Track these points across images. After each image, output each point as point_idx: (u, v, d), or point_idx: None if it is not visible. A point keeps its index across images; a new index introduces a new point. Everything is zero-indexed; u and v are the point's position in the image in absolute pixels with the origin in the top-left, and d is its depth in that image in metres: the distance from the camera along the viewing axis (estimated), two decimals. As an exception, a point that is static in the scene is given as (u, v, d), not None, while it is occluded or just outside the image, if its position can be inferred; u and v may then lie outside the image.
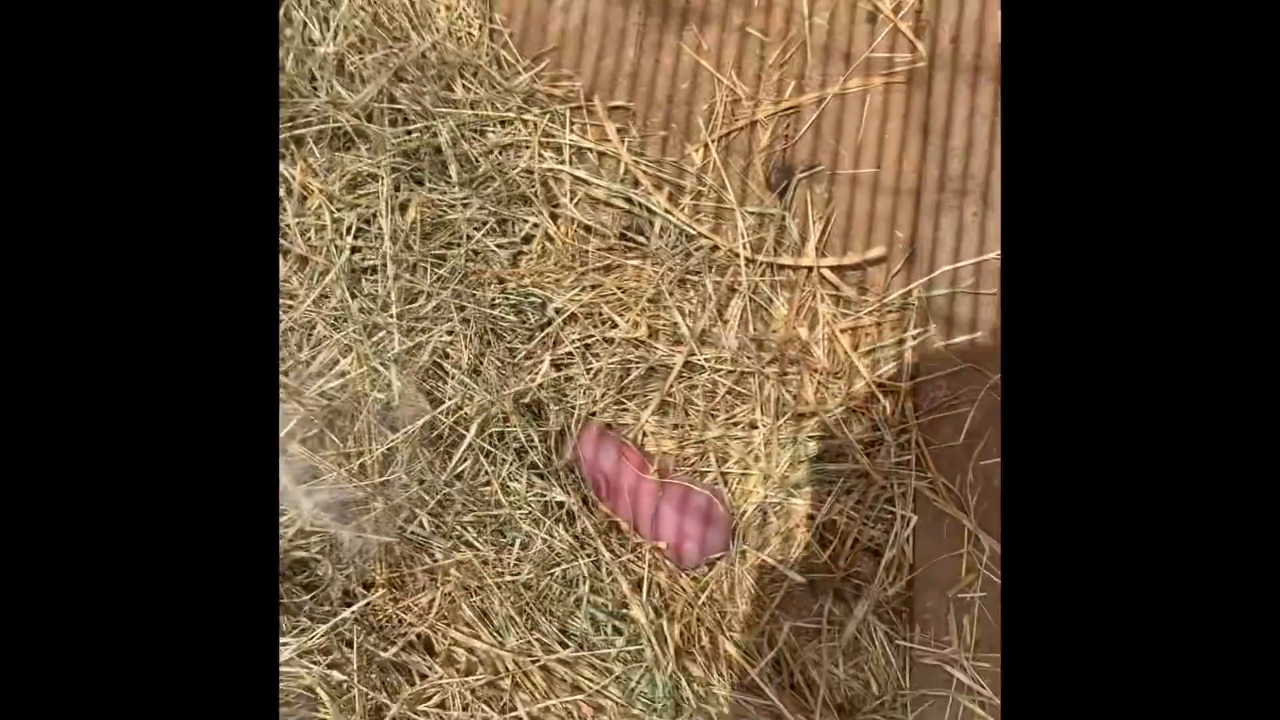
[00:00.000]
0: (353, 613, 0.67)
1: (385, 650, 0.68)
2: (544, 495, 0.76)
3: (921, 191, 0.85)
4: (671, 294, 0.83)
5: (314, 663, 0.67)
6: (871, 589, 0.78)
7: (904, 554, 0.79)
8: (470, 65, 0.88)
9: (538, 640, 0.71)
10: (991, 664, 0.76)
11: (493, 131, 0.87)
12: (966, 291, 0.82)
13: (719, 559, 0.77)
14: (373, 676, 0.67)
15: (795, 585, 0.78)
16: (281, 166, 0.81)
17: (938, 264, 0.83)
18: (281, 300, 0.78)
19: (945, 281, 0.82)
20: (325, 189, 0.81)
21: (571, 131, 0.87)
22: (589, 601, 0.73)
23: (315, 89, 0.84)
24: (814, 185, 0.86)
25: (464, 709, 0.67)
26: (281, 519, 0.70)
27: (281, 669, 0.66)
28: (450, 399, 0.76)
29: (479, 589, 0.72)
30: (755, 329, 0.83)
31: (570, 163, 0.87)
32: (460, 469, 0.75)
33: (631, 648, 0.72)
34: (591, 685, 0.70)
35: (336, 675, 0.66)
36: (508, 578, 0.73)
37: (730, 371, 0.82)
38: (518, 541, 0.75)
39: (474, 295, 0.81)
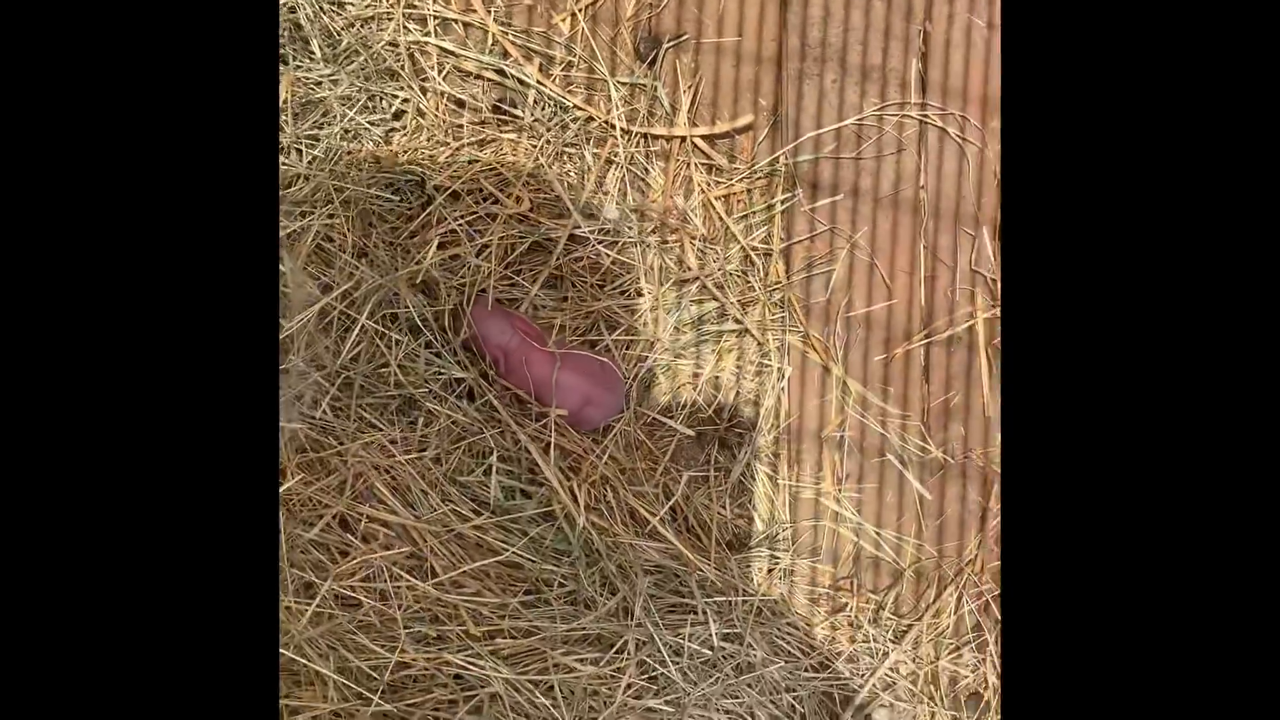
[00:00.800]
0: (281, 492, 0.68)
1: (307, 532, 0.69)
2: (442, 373, 0.78)
3: (783, 60, 0.88)
4: (550, 167, 0.84)
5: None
6: (752, 436, 0.85)
7: (780, 402, 0.86)
8: (322, -69, 0.84)
9: (452, 511, 0.74)
10: (860, 492, 0.85)
11: (351, 4, 0.84)
12: (829, 156, 0.88)
13: (616, 421, 0.82)
14: (299, 555, 0.69)
15: (685, 438, 0.84)
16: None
17: (802, 130, 0.87)
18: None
19: (809, 147, 0.87)
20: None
21: (436, 2, 0.85)
22: (497, 470, 0.76)
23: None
24: (681, 55, 0.88)
25: (387, 580, 0.70)
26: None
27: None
28: (339, 283, 0.75)
29: (389, 469, 0.74)
30: (634, 199, 0.86)
31: (435, 34, 0.85)
32: (356, 351, 0.75)
33: (543, 509, 0.76)
34: (507, 547, 0.74)
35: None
36: (414, 455, 0.75)
37: (614, 242, 0.84)
38: (419, 420, 0.77)
39: (351, 175, 0.79)
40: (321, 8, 0.82)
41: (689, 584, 0.78)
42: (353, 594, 0.69)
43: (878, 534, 0.86)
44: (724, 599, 0.79)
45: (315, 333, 0.74)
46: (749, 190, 0.87)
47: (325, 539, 0.70)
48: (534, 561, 0.75)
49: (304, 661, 0.65)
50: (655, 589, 0.77)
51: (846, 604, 0.85)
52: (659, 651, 0.75)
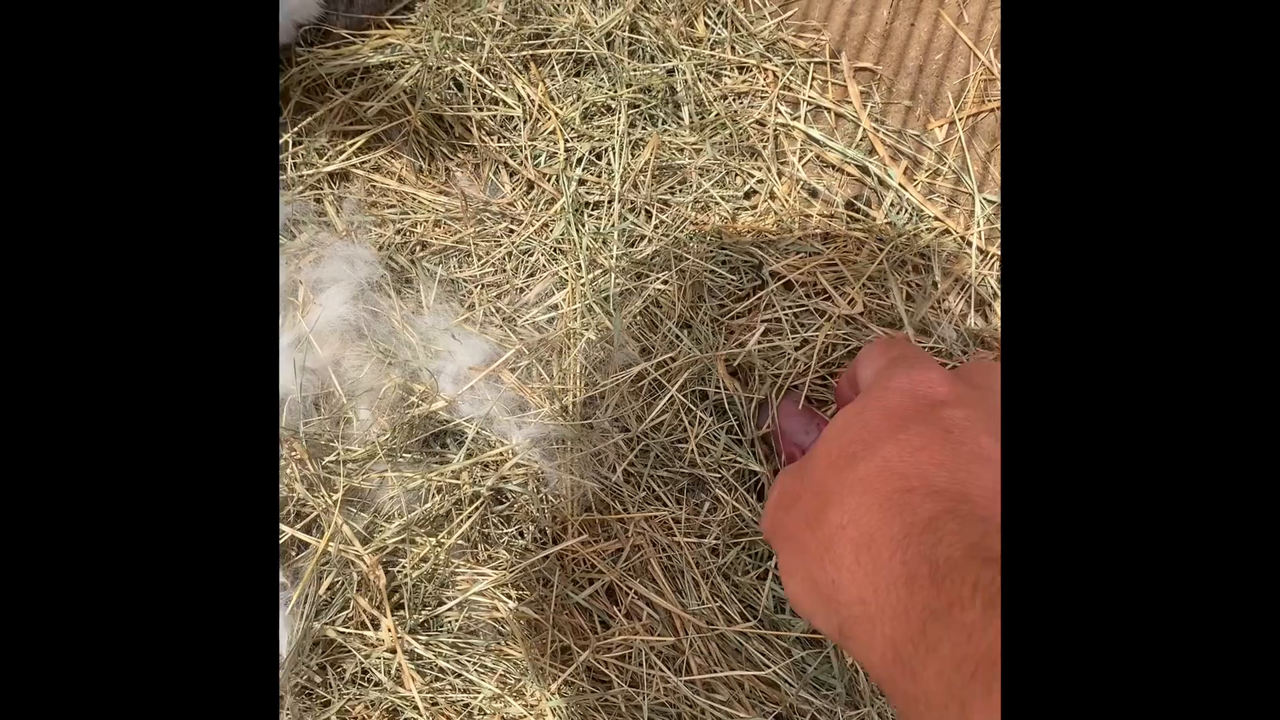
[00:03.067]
0: (555, 552, 0.67)
1: (578, 594, 0.67)
2: (738, 462, 0.74)
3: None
4: (894, 274, 0.79)
5: (507, 596, 0.67)
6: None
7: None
8: (716, 3, 0.84)
9: (720, 609, 0.70)
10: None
11: (729, 76, 0.84)
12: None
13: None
14: (564, 617, 0.67)
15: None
16: (518, 85, 0.79)
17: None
18: (505, 224, 0.77)
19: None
20: (562, 114, 0.78)
21: (811, 88, 0.83)
22: (774, 577, 0.71)
23: (561, 7, 0.81)
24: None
25: (641, 664, 0.67)
26: (495, 451, 0.69)
27: (475, 597, 0.66)
28: (657, 351, 0.74)
29: (667, 546, 0.71)
30: (975, 323, 0.79)
31: (805, 120, 0.83)
32: (659, 421, 0.73)
33: (814, 633, 0.70)
34: (769, 664, 0.69)
35: (529, 612, 0.66)
36: (693, 539, 0.72)
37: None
38: (705, 504, 0.73)
39: (692, 246, 0.78)
40: (700, 75, 0.82)
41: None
42: (604, 670, 0.66)
43: None
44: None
45: (627, 393, 0.72)
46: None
47: (591, 604, 0.68)
48: (792, 686, 0.69)
49: (547, 732, 0.63)
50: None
51: None
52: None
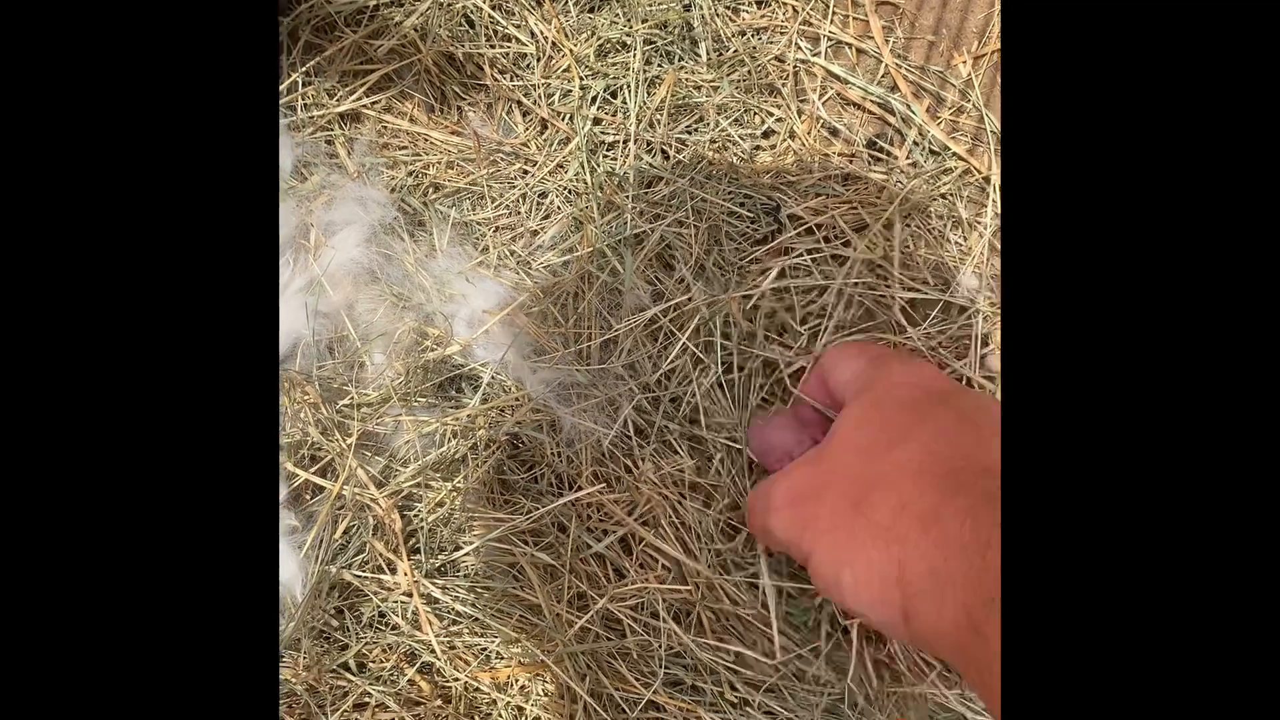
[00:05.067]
0: (573, 499, 0.67)
1: (593, 544, 0.67)
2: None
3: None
4: (901, 220, 0.77)
5: (524, 543, 0.67)
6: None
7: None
8: (735, -66, 0.81)
9: (727, 581, 0.70)
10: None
11: (747, 11, 0.81)
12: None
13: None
14: (580, 564, 0.67)
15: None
16: (531, 22, 0.76)
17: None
18: (519, 165, 0.75)
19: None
20: (576, 51, 0.76)
21: (832, 23, 0.81)
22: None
23: (576, -60, 0.78)
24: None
25: (653, 615, 0.67)
26: (510, 395, 0.69)
27: (491, 545, 0.66)
28: (671, 294, 0.73)
29: (679, 501, 0.70)
30: (997, 266, 0.77)
31: (826, 56, 0.80)
32: (673, 366, 0.72)
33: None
34: (769, 621, 0.69)
35: (545, 558, 0.66)
36: (701, 502, 0.71)
37: (962, 309, 0.77)
38: (715, 460, 0.73)
39: (709, 186, 0.76)
40: (718, 10, 0.79)
41: None
42: (619, 619, 0.66)
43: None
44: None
45: (641, 338, 0.72)
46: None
47: (606, 553, 0.68)
48: (788, 637, 0.69)
49: (563, 676, 0.63)
50: None
51: None
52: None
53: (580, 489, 0.67)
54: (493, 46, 0.76)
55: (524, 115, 0.77)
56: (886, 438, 0.52)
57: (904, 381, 0.56)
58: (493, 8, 0.76)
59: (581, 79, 0.76)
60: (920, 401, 0.54)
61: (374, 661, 0.67)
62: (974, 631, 0.41)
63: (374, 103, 0.75)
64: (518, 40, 0.76)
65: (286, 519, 0.64)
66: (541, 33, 0.76)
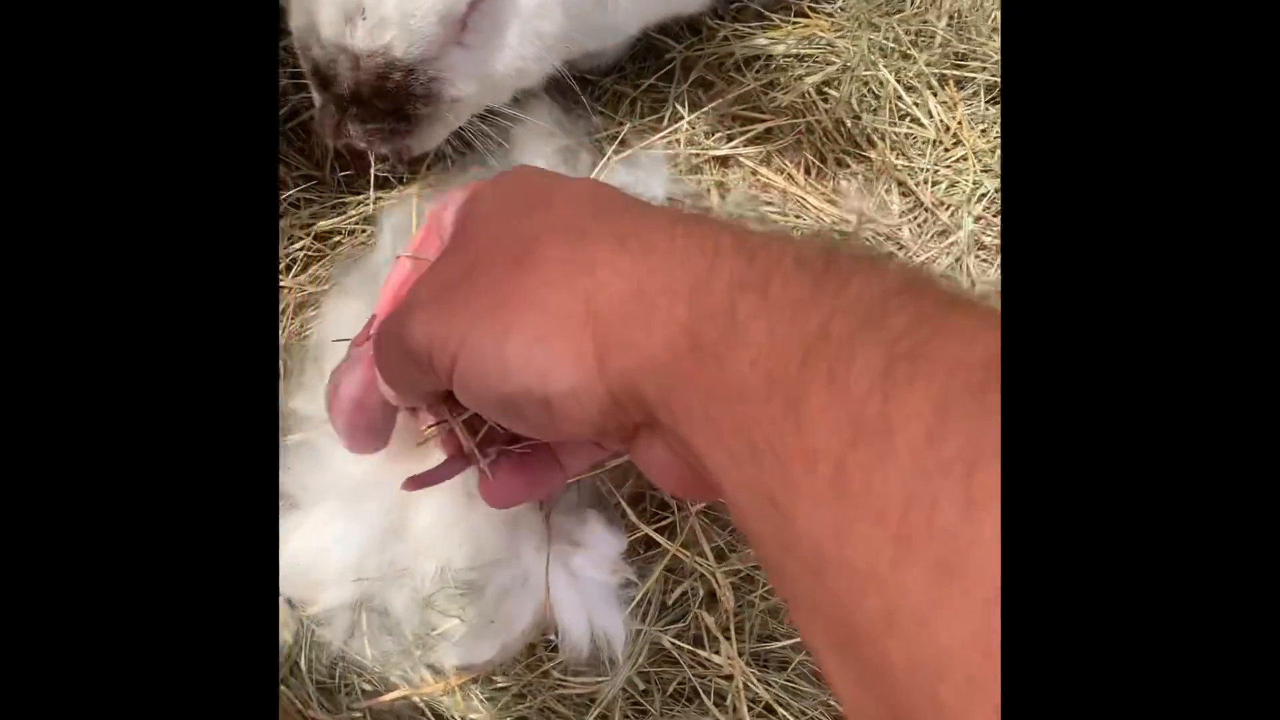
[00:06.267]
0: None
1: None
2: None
3: None
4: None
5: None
6: None
7: None
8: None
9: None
10: None
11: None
12: None
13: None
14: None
15: None
16: (932, 104, 0.73)
17: None
18: (889, 245, 0.72)
19: None
20: (974, 144, 0.73)
21: None
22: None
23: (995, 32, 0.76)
24: None
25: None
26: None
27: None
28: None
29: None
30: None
31: None
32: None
33: None
34: None
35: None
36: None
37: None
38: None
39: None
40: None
41: None
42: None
43: None
44: None
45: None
46: None
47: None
48: None
49: None
50: None
51: None
52: None
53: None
54: (891, 124, 0.73)
55: (903, 196, 0.74)
56: (537, 195, 0.41)
57: (518, 169, 0.47)
58: (899, 83, 0.73)
59: (975, 174, 0.73)
60: (550, 174, 0.45)
61: (676, 733, 0.63)
62: (701, 356, 0.32)
63: (755, 153, 0.73)
64: (918, 122, 0.73)
65: (622, 571, 0.61)
66: (941, 118, 0.73)
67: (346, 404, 0.49)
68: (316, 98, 0.58)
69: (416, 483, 0.51)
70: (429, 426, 0.49)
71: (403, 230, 0.63)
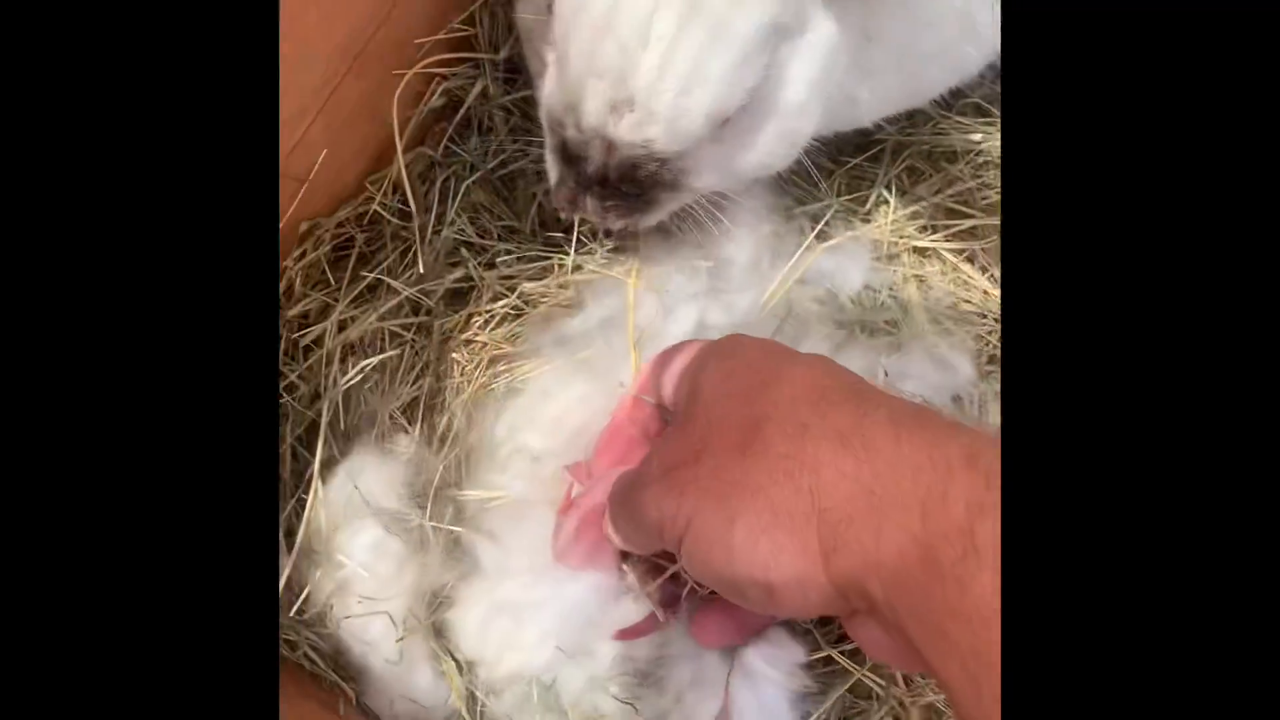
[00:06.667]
0: None
1: None
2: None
3: None
4: None
5: None
6: None
7: None
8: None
9: None
10: None
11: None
12: None
13: None
14: None
15: None
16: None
17: None
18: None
19: None
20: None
21: None
22: None
23: None
24: None
25: None
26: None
27: None
28: None
29: None
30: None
31: None
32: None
33: None
34: None
35: None
36: None
37: None
38: None
39: None
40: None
41: None
42: None
43: None
44: None
45: None
46: None
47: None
48: None
49: None
50: None
51: None
52: None
53: None
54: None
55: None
56: (759, 379, 0.43)
57: (744, 342, 0.49)
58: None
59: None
60: (775, 350, 0.47)
61: None
62: (934, 569, 0.33)
63: (959, 249, 0.71)
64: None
65: (800, 678, 0.60)
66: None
67: (569, 546, 0.56)
68: (554, 171, 0.56)
69: (627, 634, 0.56)
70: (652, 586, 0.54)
71: (613, 314, 0.62)
